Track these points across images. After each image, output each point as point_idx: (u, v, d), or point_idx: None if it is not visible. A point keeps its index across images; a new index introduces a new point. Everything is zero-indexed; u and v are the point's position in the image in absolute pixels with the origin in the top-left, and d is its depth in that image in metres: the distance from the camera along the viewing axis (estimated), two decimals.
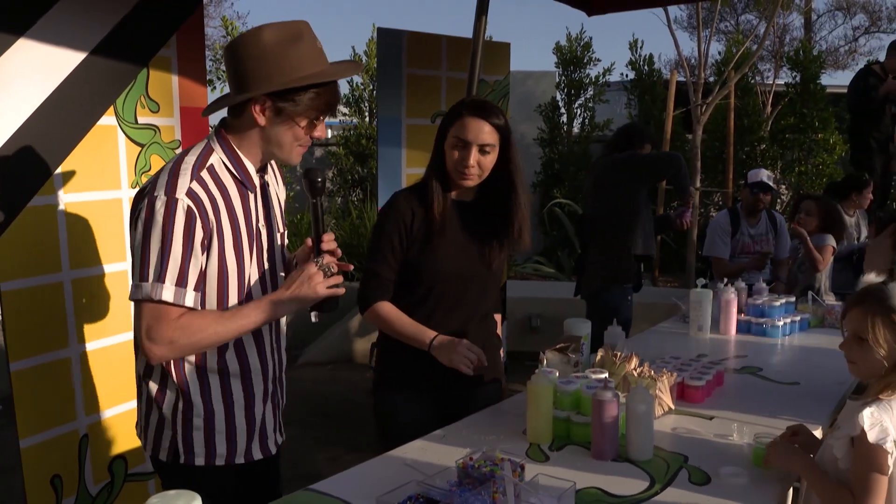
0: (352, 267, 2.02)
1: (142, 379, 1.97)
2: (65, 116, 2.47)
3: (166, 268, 1.77)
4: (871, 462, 1.66)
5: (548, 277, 8.68)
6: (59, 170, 2.46)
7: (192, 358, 1.90)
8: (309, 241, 1.99)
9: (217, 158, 1.89)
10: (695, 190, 4.91)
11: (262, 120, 1.86)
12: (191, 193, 1.79)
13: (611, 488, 1.84)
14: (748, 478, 1.88)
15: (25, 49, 2.34)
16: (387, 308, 2.40)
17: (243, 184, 1.92)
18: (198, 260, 1.81)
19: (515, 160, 2.42)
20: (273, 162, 2.09)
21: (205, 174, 1.85)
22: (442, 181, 2.40)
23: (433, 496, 1.66)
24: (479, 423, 2.30)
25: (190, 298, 1.81)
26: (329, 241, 1.97)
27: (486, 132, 2.32)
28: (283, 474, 2.17)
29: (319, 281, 1.89)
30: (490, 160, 2.36)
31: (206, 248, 1.83)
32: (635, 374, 2.29)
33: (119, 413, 2.70)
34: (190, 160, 1.86)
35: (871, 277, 1.90)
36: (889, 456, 1.65)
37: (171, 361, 1.89)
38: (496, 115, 2.35)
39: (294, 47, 1.83)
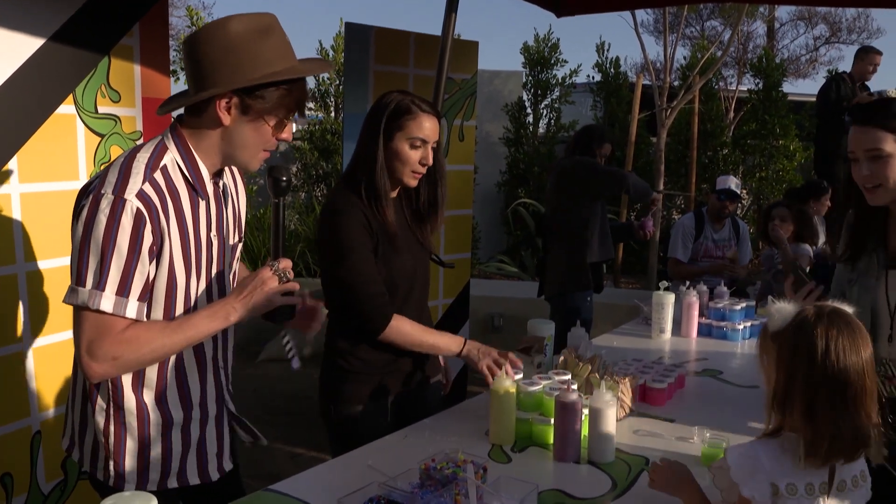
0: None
1: (78, 393, 1.85)
2: (21, 104, 2.40)
3: (107, 275, 1.63)
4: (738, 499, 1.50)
5: (511, 277, 8.70)
6: (14, 159, 2.40)
7: (130, 378, 1.78)
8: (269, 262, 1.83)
9: (171, 158, 1.75)
10: (657, 193, 4.90)
11: (226, 119, 1.73)
12: (142, 195, 1.65)
13: (573, 490, 1.84)
14: (709, 479, 1.88)
15: None
16: (405, 322, 2.34)
17: (195, 189, 1.78)
18: (144, 268, 1.67)
19: (441, 148, 2.43)
20: (234, 167, 1.97)
21: (158, 175, 1.71)
22: (391, 185, 2.34)
23: (395, 498, 1.64)
24: (441, 424, 2.28)
25: (132, 309, 1.67)
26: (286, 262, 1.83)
27: (436, 129, 2.34)
28: (241, 473, 2.13)
29: (273, 287, 1.75)
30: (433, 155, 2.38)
31: (157, 255, 1.70)
32: (598, 377, 2.30)
33: None
34: (143, 158, 1.71)
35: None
36: (751, 501, 1.46)
37: (110, 382, 1.76)
38: (436, 106, 2.36)
39: (263, 41, 1.71)
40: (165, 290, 1.74)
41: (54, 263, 2.54)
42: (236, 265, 2.00)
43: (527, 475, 1.84)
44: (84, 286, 1.64)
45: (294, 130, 11.35)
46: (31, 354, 2.49)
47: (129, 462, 1.80)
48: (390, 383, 2.39)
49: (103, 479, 1.83)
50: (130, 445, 1.80)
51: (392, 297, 2.35)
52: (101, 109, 2.65)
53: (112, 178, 1.67)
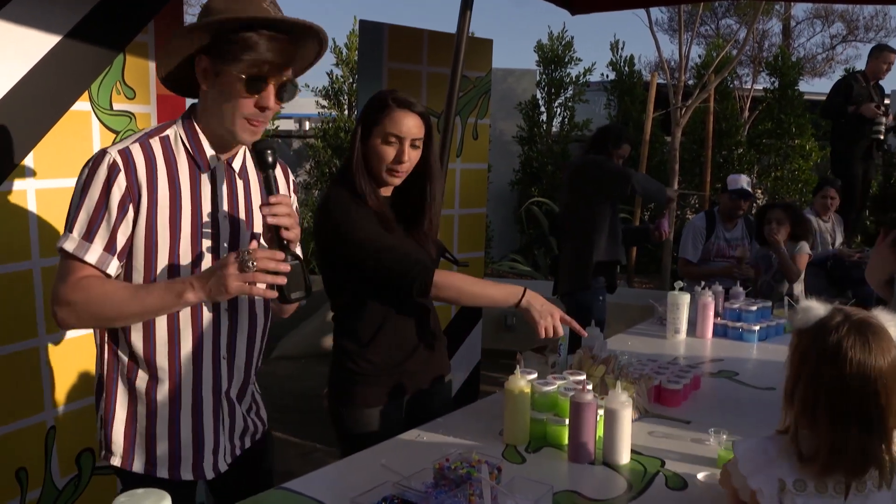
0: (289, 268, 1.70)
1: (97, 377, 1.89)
2: (37, 101, 2.40)
3: (76, 219, 1.70)
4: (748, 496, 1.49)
5: (524, 276, 8.68)
6: (30, 155, 2.40)
7: (128, 349, 1.80)
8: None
9: (174, 131, 1.81)
10: (674, 192, 4.82)
11: (203, 83, 1.76)
12: (124, 152, 1.72)
13: (587, 492, 1.82)
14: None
15: None
16: (453, 276, 2.28)
17: (196, 162, 1.80)
18: (112, 218, 1.70)
19: (434, 150, 2.36)
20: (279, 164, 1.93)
21: (155, 142, 1.77)
22: (372, 182, 2.29)
23: (409, 498, 1.63)
24: (455, 423, 2.27)
25: (94, 255, 1.69)
26: (278, 214, 1.71)
27: (416, 126, 2.26)
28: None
29: (232, 274, 1.63)
30: (418, 155, 2.30)
31: (135, 212, 1.72)
32: (612, 377, 2.28)
33: (88, 405, 2.64)
34: (146, 129, 1.82)
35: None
36: (757, 493, 1.46)
37: (107, 355, 1.81)
38: (420, 106, 2.28)
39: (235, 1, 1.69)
40: (144, 253, 1.75)
41: None
42: None
43: (541, 476, 1.82)
44: (64, 233, 1.72)
45: (307, 128, 11.33)
46: (46, 350, 2.50)
47: (117, 438, 1.84)
48: (400, 384, 2.38)
49: (107, 458, 1.86)
50: (120, 416, 1.83)
51: (388, 296, 2.32)
52: (116, 106, 2.66)
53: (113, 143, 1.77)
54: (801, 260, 4.43)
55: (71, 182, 2.50)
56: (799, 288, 4.45)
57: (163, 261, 1.77)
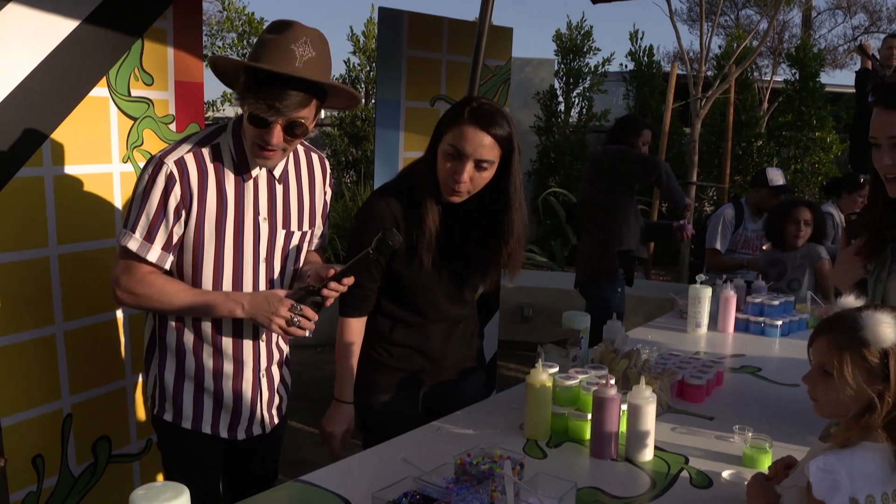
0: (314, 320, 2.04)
1: (153, 348, 2.15)
2: (55, 86, 2.38)
3: (138, 222, 1.96)
4: None
5: (541, 267, 8.64)
6: (47, 141, 2.38)
7: (173, 326, 2.08)
8: (330, 272, 2.00)
9: (224, 139, 2.01)
10: (690, 200, 4.71)
11: (240, 107, 1.95)
12: (179, 162, 1.94)
13: (611, 489, 1.79)
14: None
15: (15, 15, 2.25)
16: (351, 330, 2.28)
17: (239, 169, 2.01)
18: (169, 223, 1.96)
19: (515, 176, 2.14)
20: (317, 158, 2.20)
21: (206, 150, 1.98)
22: (433, 190, 2.15)
23: (429, 493, 1.60)
24: (475, 415, 2.24)
25: (154, 254, 1.97)
26: (337, 293, 2.02)
27: (485, 146, 2.05)
28: None
29: (279, 322, 1.98)
30: (486, 176, 2.10)
31: (185, 216, 1.97)
32: (635, 371, 2.24)
33: (105, 393, 2.63)
34: (200, 134, 2.02)
35: (850, 300, 1.59)
36: None
37: (158, 326, 2.10)
38: (500, 125, 2.06)
39: (269, 38, 1.86)
40: (192, 250, 2.01)
41: (87, 247, 2.52)
42: (301, 252, 2.19)
43: (563, 472, 1.79)
44: (125, 228, 1.98)
45: (324, 116, 11.33)
46: (62, 337, 2.48)
47: (170, 395, 2.12)
48: (422, 377, 2.36)
49: (156, 413, 2.16)
50: (168, 379, 2.11)
51: (411, 303, 2.28)
52: (133, 92, 2.63)
53: (168, 147, 1.99)
54: (823, 267, 4.20)
55: (88, 168, 2.51)
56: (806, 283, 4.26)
57: (209, 260, 2.02)
